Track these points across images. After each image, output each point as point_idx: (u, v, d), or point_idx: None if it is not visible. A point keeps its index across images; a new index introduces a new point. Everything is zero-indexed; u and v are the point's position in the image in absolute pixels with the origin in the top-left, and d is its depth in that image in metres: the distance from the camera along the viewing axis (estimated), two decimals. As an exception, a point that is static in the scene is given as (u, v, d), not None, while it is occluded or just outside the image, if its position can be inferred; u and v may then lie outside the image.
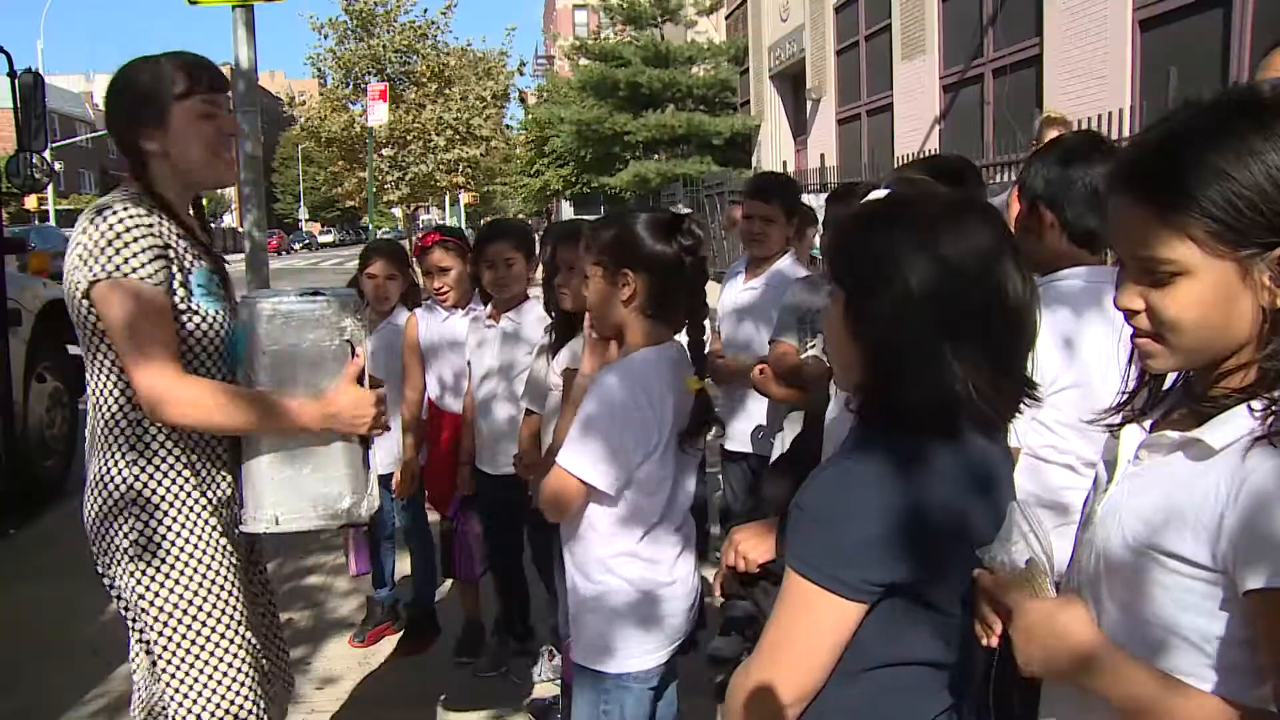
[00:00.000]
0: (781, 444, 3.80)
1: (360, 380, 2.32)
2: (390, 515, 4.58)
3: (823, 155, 16.90)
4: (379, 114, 18.95)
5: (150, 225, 2.21)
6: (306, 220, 70.76)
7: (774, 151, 22.68)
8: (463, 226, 38.77)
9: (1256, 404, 1.23)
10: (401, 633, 4.61)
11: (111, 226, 2.16)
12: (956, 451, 1.46)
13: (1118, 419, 1.44)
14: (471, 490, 4.13)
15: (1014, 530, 1.35)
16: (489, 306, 4.00)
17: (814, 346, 3.74)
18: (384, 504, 4.40)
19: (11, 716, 4.02)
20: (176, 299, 2.24)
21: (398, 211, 25.25)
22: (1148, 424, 1.40)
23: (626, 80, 25.70)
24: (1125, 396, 1.44)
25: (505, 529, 4.11)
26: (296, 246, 63.01)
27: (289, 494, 2.29)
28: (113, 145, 2.43)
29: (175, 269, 2.25)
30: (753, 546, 2.15)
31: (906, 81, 16.06)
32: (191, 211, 2.46)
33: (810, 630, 1.43)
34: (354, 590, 5.08)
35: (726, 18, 27.67)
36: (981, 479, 1.49)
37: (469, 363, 4.09)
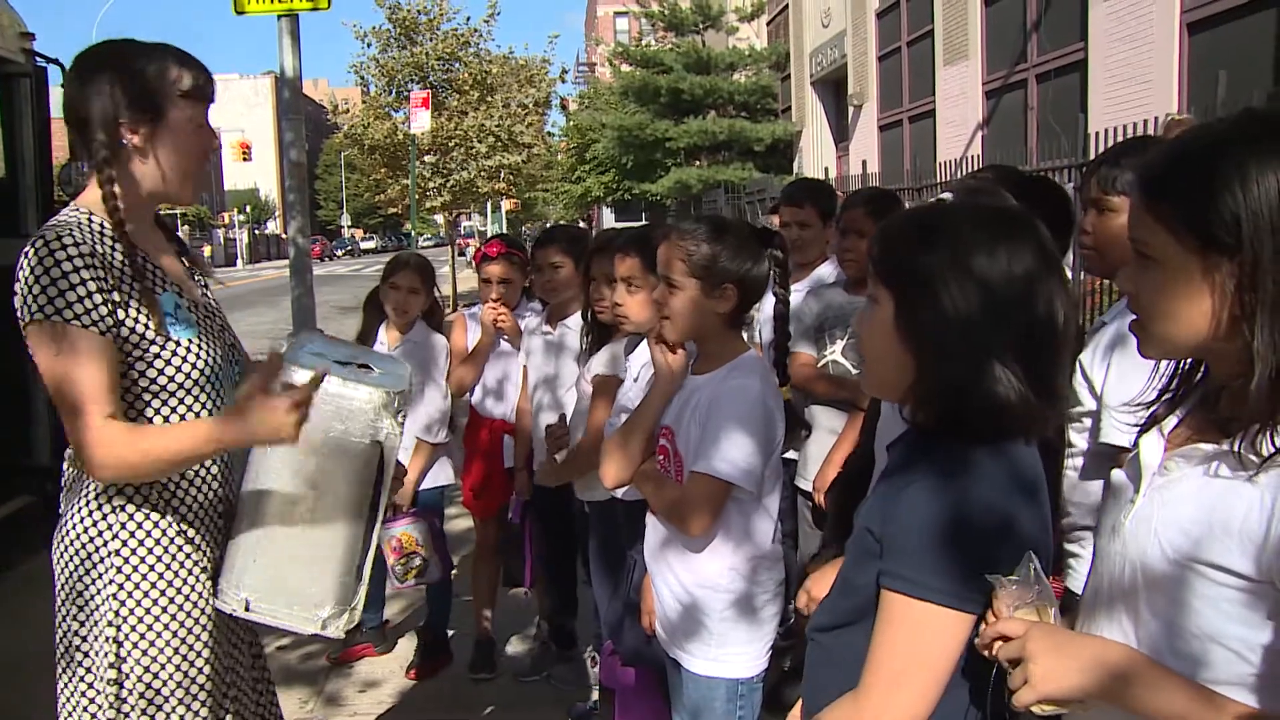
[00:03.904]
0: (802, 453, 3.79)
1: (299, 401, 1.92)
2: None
3: (864, 162, 16.82)
4: (421, 121, 19.05)
5: (92, 255, 1.94)
6: (349, 226, 71.36)
7: (815, 158, 22.58)
8: (502, 232, 38.86)
9: None
10: (414, 655, 4.48)
11: (42, 261, 1.90)
12: (1018, 456, 1.48)
13: (1145, 415, 1.45)
14: (529, 494, 4.13)
15: (1028, 572, 1.35)
16: (544, 313, 4.04)
17: (832, 352, 3.73)
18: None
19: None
20: (137, 332, 2.00)
21: (439, 218, 25.38)
22: (1166, 431, 1.40)
23: (668, 86, 25.67)
24: (1156, 394, 1.44)
25: (558, 534, 4.13)
26: (339, 253, 63.54)
27: (267, 583, 2.05)
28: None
29: (128, 302, 1.99)
30: (823, 590, 2.15)
31: (949, 87, 15.94)
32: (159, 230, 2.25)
33: (935, 652, 1.42)
34: (396, 594, 5.10)
35: (768, 24, 27.59)
36: (1039, 484, 1.50)
37: (524, 369, 4.11)
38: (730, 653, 2.43)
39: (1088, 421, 2.38)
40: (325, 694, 4.26)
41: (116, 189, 2.03)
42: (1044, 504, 1.51)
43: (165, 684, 2.07)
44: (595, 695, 3.98)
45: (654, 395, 2.52)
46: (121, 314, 1.97)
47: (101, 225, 2.03)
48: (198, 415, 2.09)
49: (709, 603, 2.42)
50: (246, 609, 2.05)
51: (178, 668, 2.08)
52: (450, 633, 4.58)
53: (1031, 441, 1.51)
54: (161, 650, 2.07)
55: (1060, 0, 13.04)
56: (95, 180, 2.04)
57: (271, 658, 4.40)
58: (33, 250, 1.92)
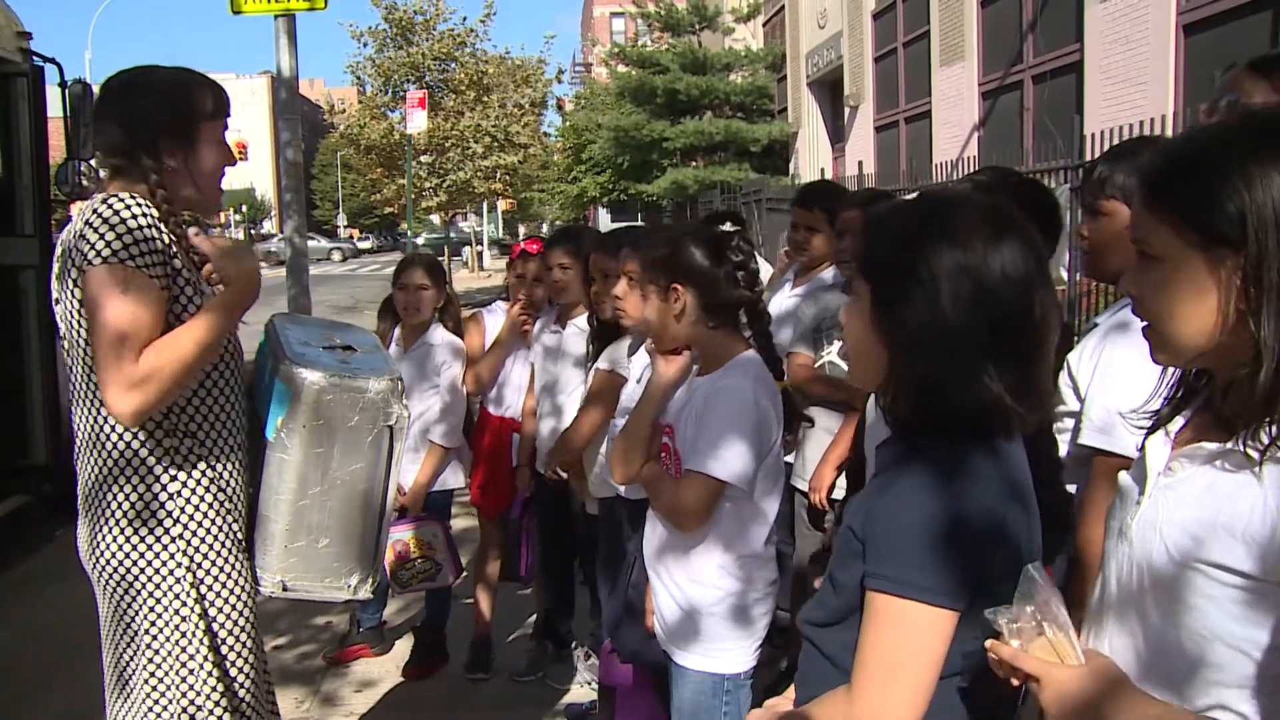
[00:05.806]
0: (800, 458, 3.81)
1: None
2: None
3: (860, 163, 16.81)
4: (418, 121, 19.08)
5: (157, 228, 2.15)
6: (345, 226, 71.28)
7: (811, 159, 22.59)
8: (499, 233, 38.81)
9: None
10: (410, 655, 4.48)
11: (118, 213, 2.08)
12: (1001, 456, 1.48)
13: (1150, 422, 1.44)
14: (530, 492, 4.16)
15: (1033, 590, 1.33)
16: (553, 314, 4.07)
17: (829, 353, 3.75)
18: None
19: (53, 714, 4.08)
20: (179, 302, 2.18)
21: (435, 218, 25.40)
22: (1172, 432, 1.40)
23: (664, 87, 25.62)
24: (1164, 397, 1.44)
25: (558, 534, 4.14)
26: (334, 256, 63.30)
27: (300, 563, 2.30)
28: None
29: (178, 282, 2.18)
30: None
31: (945, 88, 15.96)
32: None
33: (923, 649, 1.43)
34: (395, 594, 5.10)
35: (764, 25, 27.59)
36: (1023, 485, 1.51)
37: (533, 369, 4.14)
38: (718, 648, 2.46)
39: (1070, 422, 2.38)
40: (321, 694, 4.26)
41: (167, 205, 2.22)
42: (1028, 501, 1.51)
43: (235, 678, 2.32)
44: (589, 694, 3.99)
45: (646, 395, 2.57)
46: (170, 280, 2.16)
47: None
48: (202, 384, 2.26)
49: (699, 599, 2.46)
50: (283, 589, 2.31)
51: (248, 661, 2.33)
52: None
53: (1015, 439, 1.51)
54: (231, 649, 2.29)
55: (1056, 1, 13.06)
56: (126, 184, 2.22)
57: (268, 657, 4.40)
58: (105, 205, 2.09)
